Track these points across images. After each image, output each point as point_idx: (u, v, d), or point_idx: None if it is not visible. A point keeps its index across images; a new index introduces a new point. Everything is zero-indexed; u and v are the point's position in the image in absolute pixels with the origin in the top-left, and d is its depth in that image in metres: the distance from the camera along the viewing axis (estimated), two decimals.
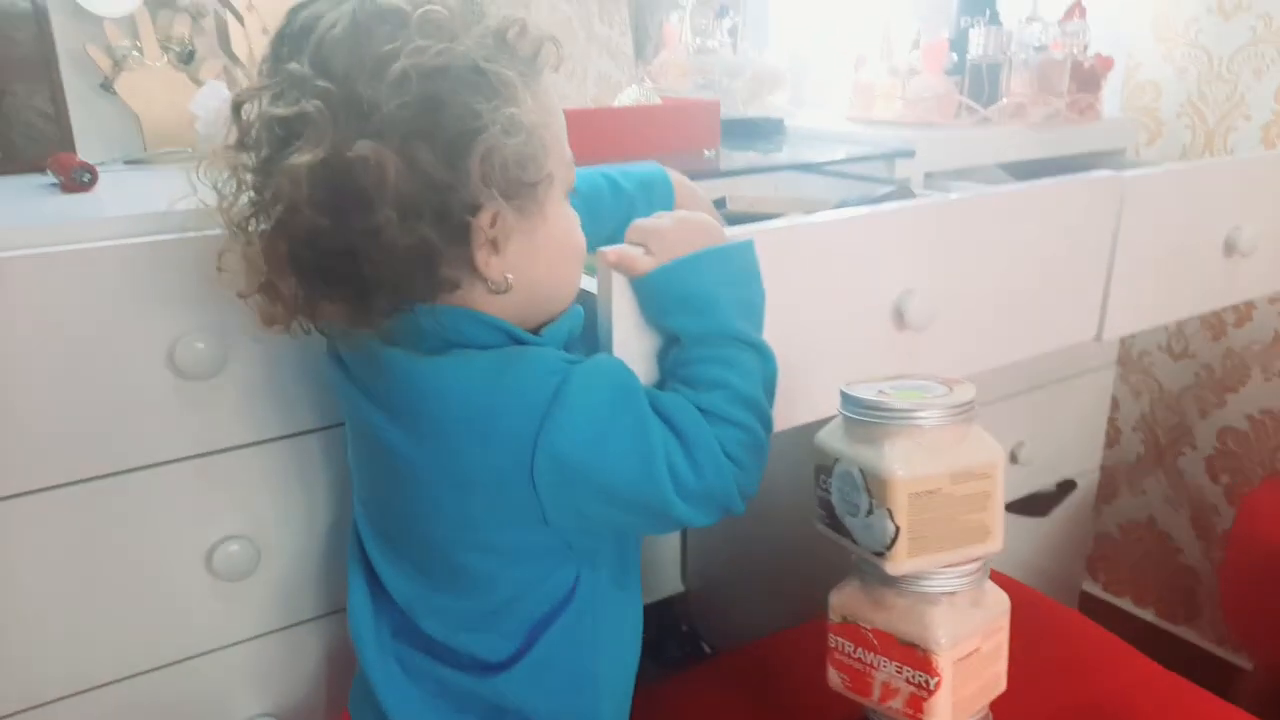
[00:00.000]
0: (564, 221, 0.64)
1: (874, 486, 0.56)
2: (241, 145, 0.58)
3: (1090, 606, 1.65)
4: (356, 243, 0.56)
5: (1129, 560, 1.64)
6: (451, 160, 0.55)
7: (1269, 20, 1.31)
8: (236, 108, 0.58)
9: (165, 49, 0.97)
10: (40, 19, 0.87)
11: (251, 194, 0.59)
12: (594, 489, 0.59)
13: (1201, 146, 1.41)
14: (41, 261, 0.65)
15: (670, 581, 1.56)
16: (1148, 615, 1.62)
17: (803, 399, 0.73)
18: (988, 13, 1.33)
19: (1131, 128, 1.43)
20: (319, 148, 0.54)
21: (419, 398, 0.60)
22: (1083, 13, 1.31)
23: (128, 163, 0.95)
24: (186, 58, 0.97)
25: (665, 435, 0.60)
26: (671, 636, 1.44)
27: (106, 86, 0.95)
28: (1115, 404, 1.55)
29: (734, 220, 0.89)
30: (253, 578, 0.77)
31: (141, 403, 0.70)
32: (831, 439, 0.60)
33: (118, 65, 0.95)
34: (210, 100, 0.91)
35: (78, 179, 0.79)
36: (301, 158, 0.54)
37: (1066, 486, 1.45)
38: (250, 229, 0.59)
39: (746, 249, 0.66)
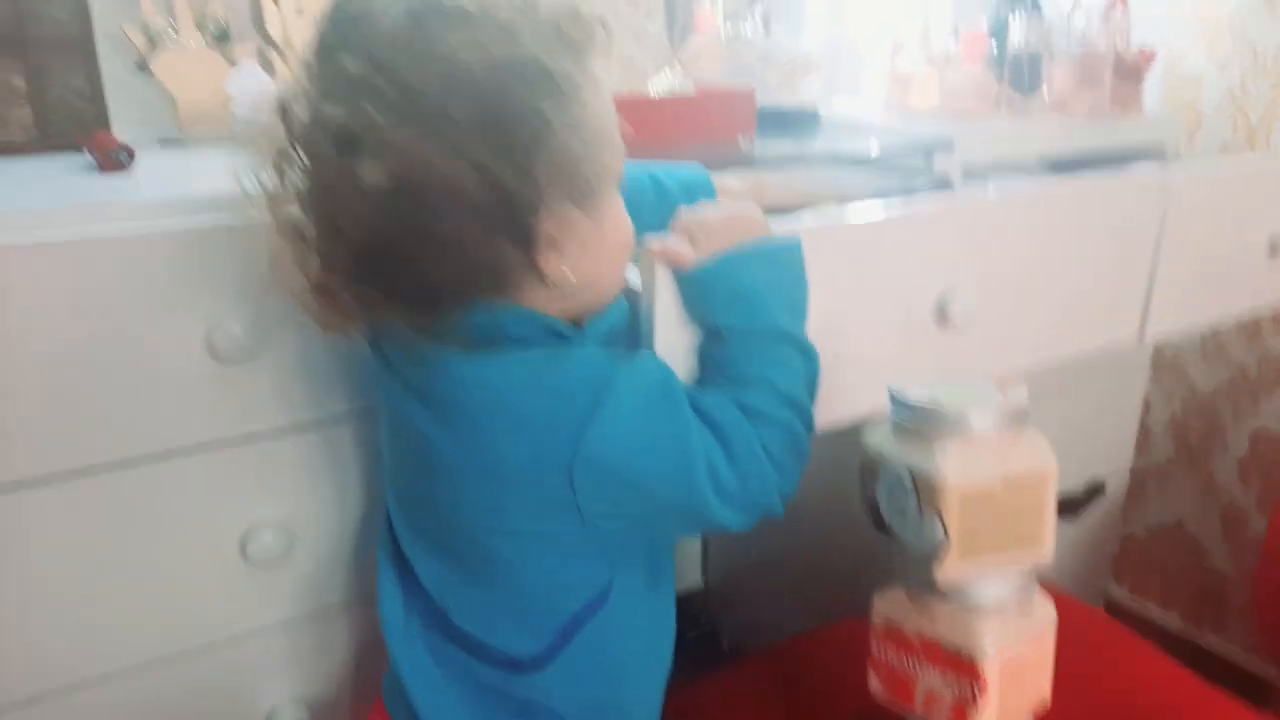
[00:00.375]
0: (618, 214, 0.63)
1: (924, 490, 0.55)
2: (291, 146, 0.56)
3: (1114, 610, 1.64)
4: (424, 252, 0.55)
5: (1156, 564, 1.62)
6: (520, 166, 0.54)
7: None
8: (283, 106, 0.56)
9: (201, 28, 0.96)
10: None
11: (306, 198, 0.57)
12: (633, 491, 0.59)
13: (1243, 142, 1.38)
14: (80, 245, 0.64)
15: (690, 577, 1.55)
16: (1173, 620, 1.60)
17: (841, 397, 0.71)
18: (1029, 2, 1.30)
19: (1172, 122, 1.40)
20: (386, 158, 0.52)
21: (460, 393, 0.60)
22: (1125, 4, 1.28)
23: (162, 142, 0.94)
24: (222, 37, 0.96)
25: (706, 437, 0.59)
26: (690, 632, 1.44)
27: (142, 66, 0.94)
28: (1146, 405, 1.53)
29: (770, 211, 0.88)
30: (284, 562, 0.77)
31: (177, 387, 0.69)
32: (880, 440, 0.59)
33: (153, 44, 0.94)
34: (246, 81, 0.90)
35: (115, 159, 0.78)
36: (367, 168, 0.52)
37: (1096, 488, 1.43)
38: (306, 236, 0.57)
39: (793, 246, 0.65)
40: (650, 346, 0.64)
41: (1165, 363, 1.53)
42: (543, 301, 0.60)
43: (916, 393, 0.58)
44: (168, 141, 0.94)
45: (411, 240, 0.54)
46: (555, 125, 0.54)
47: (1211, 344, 1.47)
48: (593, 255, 0.60)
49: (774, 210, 0.88)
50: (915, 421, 0.57)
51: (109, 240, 0.65)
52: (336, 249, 0.56)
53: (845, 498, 0.78)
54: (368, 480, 0.80)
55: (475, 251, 0.55)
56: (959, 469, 0.54)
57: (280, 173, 0.57)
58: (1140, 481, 1.59)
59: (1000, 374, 0.85)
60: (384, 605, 0.70)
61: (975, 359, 0.83)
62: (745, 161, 1.05)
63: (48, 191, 0.75)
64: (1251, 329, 1.42)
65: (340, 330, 0.60)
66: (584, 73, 0.57)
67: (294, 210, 0.57)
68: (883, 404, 0.74)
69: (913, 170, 1.10)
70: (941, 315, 0.78)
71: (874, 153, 1.11)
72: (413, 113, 0.52)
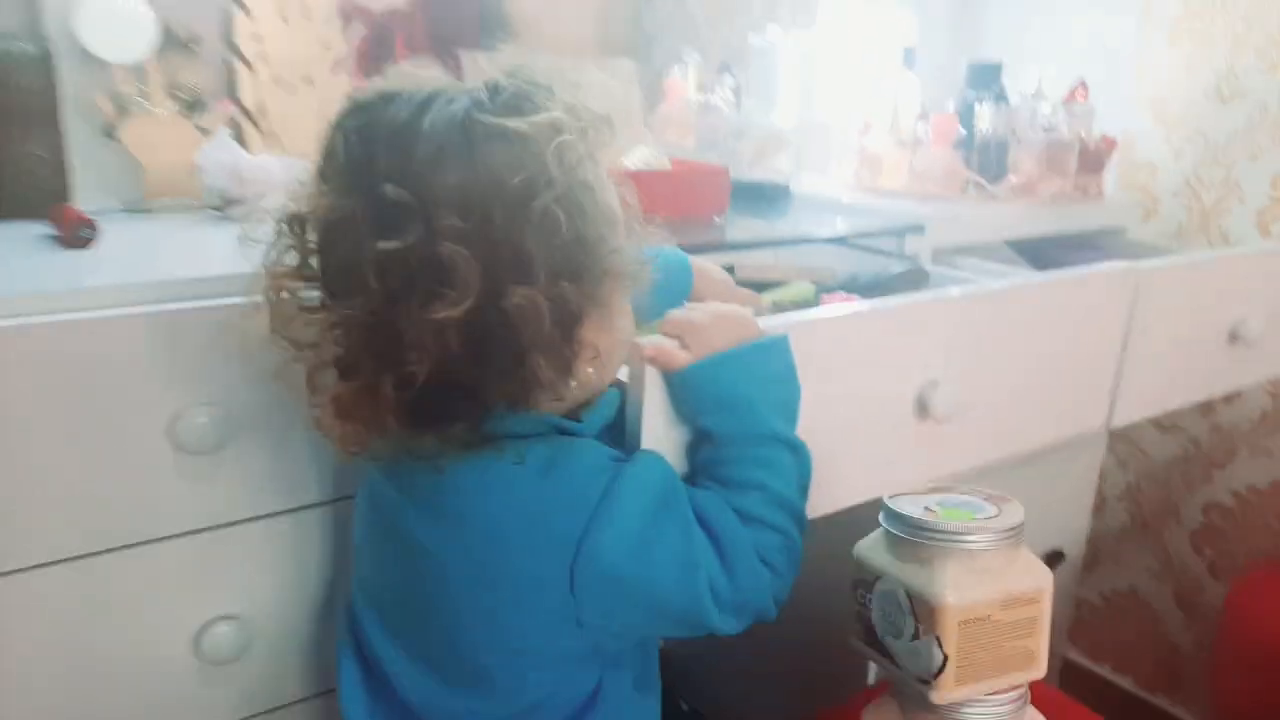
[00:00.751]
0: (628, 310, 0.63)
1: (921, 611, 0.54)
2: (305, 265, 0.55)
3: (1071, 673, 1.65)
4: (487, 375, 0.54)
5: (1110, 628, 1.64)
6: (592, 292, 0.55)
7: (1265, 108, 1.33)
8: (297, 220, 0.54)
9: (172, 97, 0.93)
10: (46, 63, 0.84)
11: (341, 326, 0.54)
12: (633, 594, 0.58)
13: (1197, 227, 1.43)
14: (41, 331, 0.62)
15: None
16: (1126, 683, 1.62)
17: (826, 490, 0.71)
18: (995, 89, 1.34)
19: (1131, 206, 1.45)
20: (468, 299, 0.51)
21: (458, 493, 0.58)
22: (1085, 92, 1.32)
23: (128, 210, 0.91)
24: (194, 106, 0.94)
25: (704, 543, 0.58)
26: None
27: (109, 133, 0.91)
28: (1101, 474, 1.55)
29: (744, 284, 0.88)
30: (241, 656, 0.74)
31: (141, 477, 0.67)
32: (874, 554, 0.58)
33: (123, 112, 0.91)
34: (217, 153, 0.88)
35: (78, 235, 0.75)
36: (438, 303, 0.51)
37: (1056, 556, 1.44)
38: (326, 359, 0.55)
39: (782, 346, 0.65)
40: (638, 445, 0.63)
41: (1120, 432, 1.57)
42: (555, 399, 0.59)
43: (911, 507, 0.57)
44: (133, 209, 0.91)
45: (477, 367, 0.53)
46: (610, 246, 0.56)
47: (1167, 417, 1.51)
48: (613, 354, 0.61)
49: (747, 285, 0.88)
50: (912, 538, 0.56)
51: (69, 327, 0.63)
52: (388, 377, 0.53)
53: (807, 576, 0.77)
54: (330, 571, 0.77)
55: (532, 367, 0.54)
56: (958, 591, 0.53)
57: (281, 292, 0.56)
58: (1095, 548, 1.61)
59: (977, 464, 0.86)
60: (346, 707, 0.67)
61: (955, 450, 0.83)
62: (719, 238, 1.06)
63: (7, 271, 0.72)
64: (1205, 404, 1.45)
65: (362, 448, 0.58)
66: (606, 176, 0.57)
67: (305, 334, 0.55)
68: (866, 495, 0.74)
69: (885, 252, 1.12)
70: (922, 408, 0.78)
71: (847, 234, 1.12)
72: (494, 251, 0.51)
